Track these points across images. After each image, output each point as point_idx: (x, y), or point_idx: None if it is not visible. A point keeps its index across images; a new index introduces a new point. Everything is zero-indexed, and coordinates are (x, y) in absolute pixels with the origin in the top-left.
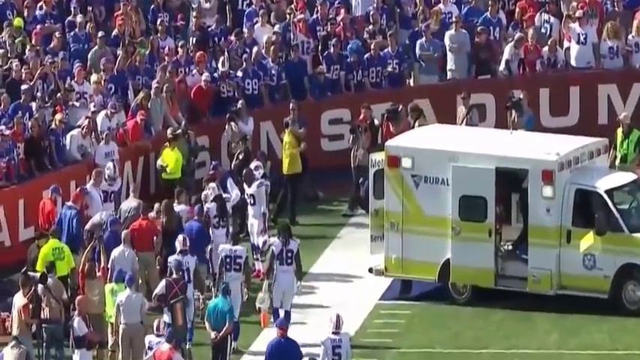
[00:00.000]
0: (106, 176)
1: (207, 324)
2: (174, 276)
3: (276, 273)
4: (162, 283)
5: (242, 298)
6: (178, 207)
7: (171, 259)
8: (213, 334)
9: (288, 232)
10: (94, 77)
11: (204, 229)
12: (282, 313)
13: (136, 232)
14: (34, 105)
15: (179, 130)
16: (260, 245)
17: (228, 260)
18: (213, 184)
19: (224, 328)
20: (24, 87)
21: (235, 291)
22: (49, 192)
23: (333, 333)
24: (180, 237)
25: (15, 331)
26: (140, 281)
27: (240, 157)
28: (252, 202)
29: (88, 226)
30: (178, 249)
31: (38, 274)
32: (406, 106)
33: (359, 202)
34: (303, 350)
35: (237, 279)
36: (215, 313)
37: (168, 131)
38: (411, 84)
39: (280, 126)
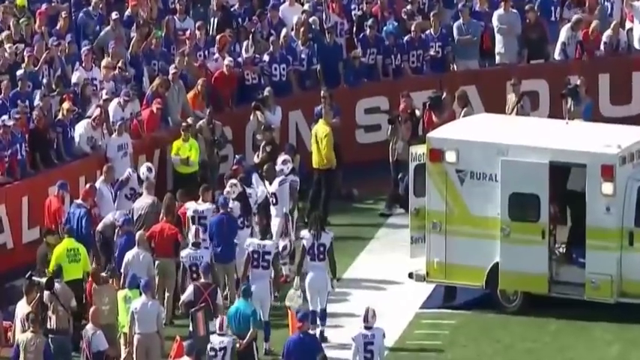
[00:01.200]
0: (143, 176)
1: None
2: (202, 280)
3: (308, 270)
4: (190, 288)
5: (271, 297)
6: (203, 206)
7: (184, 253)
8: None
9: (320, 223)
10: (104, 62)
11: (233, 221)
12: (309, 310)
13: (157, 235)
14: (38, 93)
15: (203, 121)
16: (280, 249)
17: (255, 256)
18: (234, 181)
19: (248, 334)
20: (19, 72)
21: (264, 290)
22: (55, 188)
23: (365, 328)
24: (193, 228)
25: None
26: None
27: (267, 150)
28: (274, 201)
29: (99, 227)
30: (191, 241)
31: (44, 280)
32: (450, 93)
33: (398, 200)
34: None
35: (264, 277)
36: (237, 317)
37: (188, 120)
38: (455, 69)
39: (311, 115)
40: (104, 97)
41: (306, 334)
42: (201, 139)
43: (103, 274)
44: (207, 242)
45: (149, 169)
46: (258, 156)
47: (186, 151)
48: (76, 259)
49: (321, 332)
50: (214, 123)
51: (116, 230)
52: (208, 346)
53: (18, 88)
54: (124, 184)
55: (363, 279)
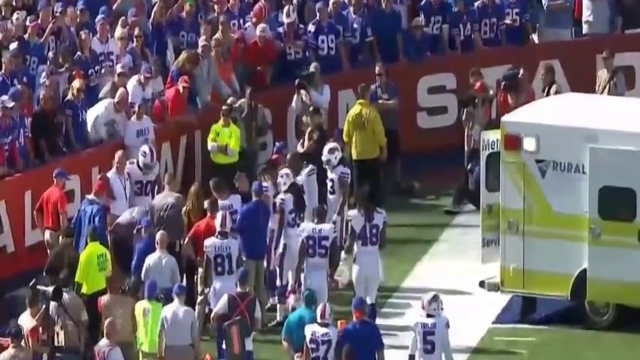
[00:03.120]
0: (141, 163)
1: (285, 344)
2: (238, 289)
3: (358, 255)
4: (224, 299)
5: (328, 292)
6: (230, 199)
7: (209, 242)
8: (296, 357)
9: (371, 202)
10: (118, 32)
11: (267, 210)
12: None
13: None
14: (43, 69)
15: (241, 101)
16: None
17: (311, 242)
18: (286, 170)
19: None
20: (13, 46)
21: (320, 282)
22: (54, 179)
23: (427, 315)
24: (219, 215)
25: None
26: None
27: (314, 136)
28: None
29: (113, 227)
30: (218, 229)
31: (51, 289)
32: (529, 69)
33: (467, 195)
34: None
35: (321, 267)
36: (300, 328)
37: (229, 100)
38: (536, 40)
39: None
40: (118, 69)
41: (363, 324)
42: (241, 124)
43: (124, 287)
44: (235, 232)
45: (144, 154)
46: (302, 144)
47: (225, 137)
48: (104, 266)
49: None
50: (256, 105)
51: (135, 232)
52: (308, 338)
53: (14, 65)
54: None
55: (424, 289)
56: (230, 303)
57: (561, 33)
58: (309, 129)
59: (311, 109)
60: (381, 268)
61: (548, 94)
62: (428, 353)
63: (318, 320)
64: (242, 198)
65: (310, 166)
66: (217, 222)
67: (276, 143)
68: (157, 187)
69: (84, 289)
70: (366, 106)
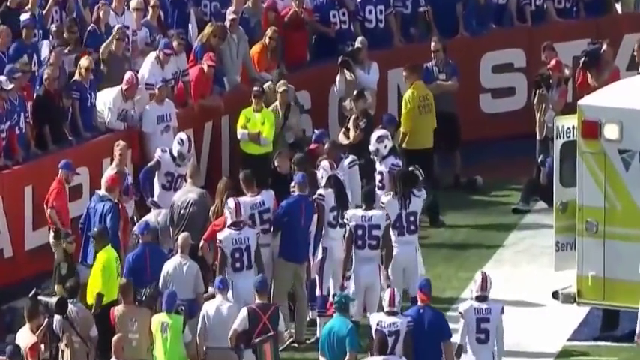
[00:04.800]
0: (175, 151)
1: (321, 359)
2: (257, 301)
3: (395, 245)
4: (243, 313)
5: (381, 288)
6: (267, 193)
7: (222, 236)
8: None
9: (410, 182)
10: (133, 1)
11: (311, 206)
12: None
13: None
14: (45, 45)
15: (269, 84)
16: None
17: (360, 232)
18: (325, 163)
19: None
20: (25, 17)
21: (371, 279)
22: (59, 171)
23: (477, 298)
24: (231, 203)
25: None
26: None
27: (360, 125)
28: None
29: (136, 229)
30: (230, 220)
31: (54, 300)
32: (612, 45)
33: (538, 191)
34: None
35: (372, 260)
36: (330, 339)
37: (267, 83)
38: (619, 10)
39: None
40: (132, 36)
41: (427, 309)
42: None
43: (140, 297)
44: (250, 221)
45: (181, 142)
46: (345, 133)
47: (257, 124)
48: (118, 273)
49: None
50: (287, 86)
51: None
52: (373, 329)
53: (23, 37)
54: (154, 170)
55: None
56: (251, 317)
57: None
58: (354, 116)
59: (355, 91)
60: (420, 259)
61: None
62: (481, 343)
63: (386, 308)
64: (277, 183)
65: (351, 157)
66: (230, 211)
67: (315, 130)
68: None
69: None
70: (420, 86)
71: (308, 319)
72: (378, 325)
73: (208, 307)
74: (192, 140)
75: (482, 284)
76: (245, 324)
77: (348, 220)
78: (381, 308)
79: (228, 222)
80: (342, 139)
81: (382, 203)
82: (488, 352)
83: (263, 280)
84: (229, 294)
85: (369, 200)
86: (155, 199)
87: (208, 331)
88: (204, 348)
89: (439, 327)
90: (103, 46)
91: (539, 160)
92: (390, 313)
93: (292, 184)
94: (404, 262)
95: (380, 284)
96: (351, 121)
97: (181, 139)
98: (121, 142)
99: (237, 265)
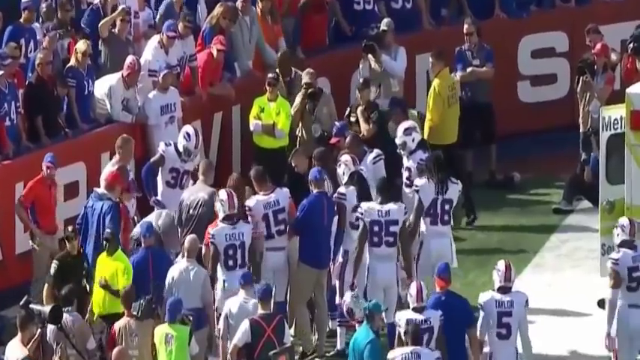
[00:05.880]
0: (181, 146)
1: None
2: (260, 311)
3: (425, 237)
4: (245, 325)
5: (398, 287)
6: (281, 191)
7: (214, 231)
8: None
9: (444, 169)
10: None
11: (333, 205)
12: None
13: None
14: (37, 28)
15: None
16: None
17: (376, 228)
18: (347, 157)
19: None
20: None
21: (388, 279)
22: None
23: (499, 290)
24: (223, 193)
25: None
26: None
27: (372, 117)
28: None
29: (134, 232)
30: (221, 215)
31: (47, 309)
32: None
33: (582, 189)
34: None
35: (389, 258)
36: (354, 351)
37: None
38: None
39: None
40: (134, 18)
41: (448, 296)
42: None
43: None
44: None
45: (187, 137)
46: (351, 122)
47: (271, 114)
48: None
49: None
50: (296, 73)
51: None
52: (403, 328)
53: (22, 19)
54: (158, 166)
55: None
56: (254, 330)
57: None
58: (360, 108)
59: (361, 80)
60: (454, 252)
61: None
62: (502, 339)
63: (414, 304)
64: (295, 183)
65: (376, 151)
66: (221, 204)
67: (336, 123)
68: (191, 181)
69: (99, 310)
70: (451, 77)
71: (327, 329)
72: (407, 324)
73: (231, 305)
74: (200, 133)
75: (507, 274)
76: (247, 337)
77: (362, 214)
78: (399, 307)
79: (221, 215)
80: (364, 132)
81: (416, 186)
82: (511, 349)
83: (267, 289)
84: (219, 293)
85: (384, 192)
86: (159, 197)
87: (232, 331)
88: (230, 345)
89: (463, 312)
90: (101, 23)
91: (582, 154)
92: (418, 310)
93: (309, 182)
94: (437, 256)
95: (397, 287)
96: (359, 113)
97: (187, 134)
98: (123, 136)
99: (230, 263)
